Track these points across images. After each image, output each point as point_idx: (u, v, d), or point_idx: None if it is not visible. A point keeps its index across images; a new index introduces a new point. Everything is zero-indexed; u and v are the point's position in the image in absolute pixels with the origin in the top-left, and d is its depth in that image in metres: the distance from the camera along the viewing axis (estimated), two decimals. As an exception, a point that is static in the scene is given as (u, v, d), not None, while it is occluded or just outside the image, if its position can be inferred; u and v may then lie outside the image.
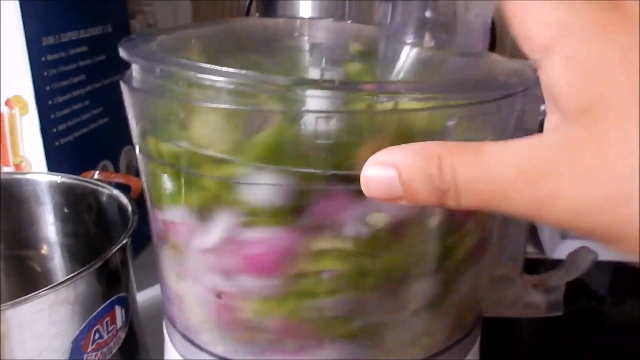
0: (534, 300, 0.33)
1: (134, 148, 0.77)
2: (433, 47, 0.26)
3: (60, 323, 0.35)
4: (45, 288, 0.33)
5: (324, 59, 0.28)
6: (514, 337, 0.31)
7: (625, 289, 0.77)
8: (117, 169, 0.71)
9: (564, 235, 0.81)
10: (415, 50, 0.26)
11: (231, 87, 0.22)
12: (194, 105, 0.23)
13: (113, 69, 0.70)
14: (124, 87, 0.27)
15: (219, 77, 0.22)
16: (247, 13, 0.58)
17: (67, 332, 0.35)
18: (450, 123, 0.22)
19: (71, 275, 0.35)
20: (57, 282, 0.34)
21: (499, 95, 0.22)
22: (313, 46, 0.27)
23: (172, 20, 0.81)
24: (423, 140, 0.23)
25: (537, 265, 0.62)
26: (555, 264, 0.37)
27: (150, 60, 0.24)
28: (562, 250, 0.80)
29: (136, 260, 0.48)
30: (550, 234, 0.78)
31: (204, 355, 0.29)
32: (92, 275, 0.36)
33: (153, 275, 0.64)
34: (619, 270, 0.79)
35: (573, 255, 0.35)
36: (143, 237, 0.42)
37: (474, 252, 0.29)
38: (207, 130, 0.23)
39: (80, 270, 0.35)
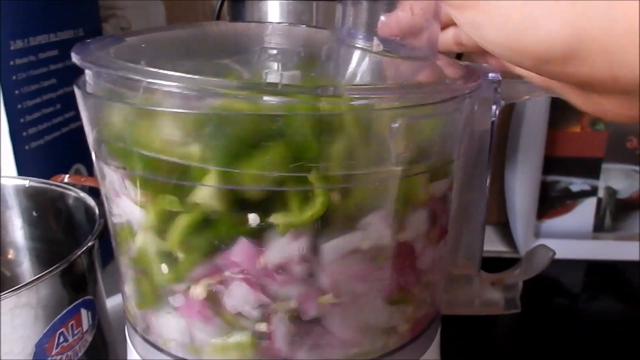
0: (492, 297, 0.34)
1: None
2: (382, 51, 0.27)
3: (22, 327, 0.35)
4: (6, 291, 0.33)
5: (278, 65, 0.28)
6: (487, 334, 0.32)
7: (599, 287, 0.78)
8: (90, 173, 0.71)
9: (537, 234, 0.83)
10: (365, 54, 0.27)
11: (179, 91, 0.22)
12: (145, 110, 0.23)
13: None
14: (77, 92, 0.27)
15: (166, 81, 0.22)
16: (218, 17, 0.58)
17: (30, 336, 0.35)
18: (395, 125, 0.23)
19: (33, 278, 0.35)
20: (18, 286, 0.34)
21: (445, 97, 0.23)
22: (262, 50, 0.27)
23: (145, 23, 0.81)
24: (369, 141, 0.24)
25: (510, 265, 0.63)
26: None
27: (100, 66, 0.25)
28: (535, 249, 0.82)
29: (110, 264, 0.48)
30: (524, 233, 0.79)
31: (162, 356, 0.29)
32: (55, 278, 0.36)
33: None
34: (591, 268, 0.80)
35: (530, 253, 0.36)
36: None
37: (432, 240, 0.29)
38: (158, 134, 0.23)
39: (43, 273, 0.35)
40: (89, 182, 0.55)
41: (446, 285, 0.33)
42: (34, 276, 0.52)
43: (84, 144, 0.70)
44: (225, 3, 0.59)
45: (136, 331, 0.30)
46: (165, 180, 0.24)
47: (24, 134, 0.59)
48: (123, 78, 0.23)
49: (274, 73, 0.25)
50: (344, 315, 0.26)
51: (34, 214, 0.50)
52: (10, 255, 0.50)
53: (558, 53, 0.19)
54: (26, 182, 0.50)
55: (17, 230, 0.50)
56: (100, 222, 0.43)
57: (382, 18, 0.27)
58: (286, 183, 0.23)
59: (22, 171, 0.58)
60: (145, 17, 0.81)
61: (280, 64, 0.26)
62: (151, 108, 0.23)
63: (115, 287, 0.54)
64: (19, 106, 0.58)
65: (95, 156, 0.29)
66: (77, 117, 0.68)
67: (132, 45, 0.31)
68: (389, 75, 0.27)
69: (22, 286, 0.34)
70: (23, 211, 0.50)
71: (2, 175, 0.56)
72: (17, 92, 0.58)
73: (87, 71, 0.27)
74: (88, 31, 0.70)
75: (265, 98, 0.21)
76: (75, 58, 0.26)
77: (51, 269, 0.36)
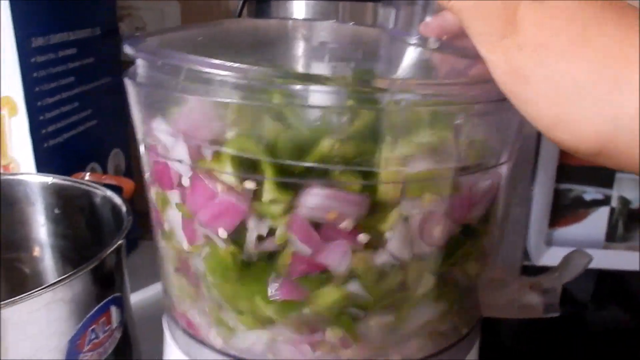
0: (531, 301, 0.34)
1: (122, 151, 0.76)
2: (437, 48, 0.26)
3: (57, 322, 0.34)
4: (43, 287, 0.33)
5: (327, 57, 0.28)
6: (496, 342, 0.32)
7: (608, 296, 0.78)
8: (105, 172, 0.71)
9: (549, 242, 0.83)
10: (418, 51, 0.27)
11: (242, 82, 0.22)
12: (207, 101, 0.23)
13: (101, 72, 0.70)
14: (128, 83, 0.27)
15: (227, 72, 0.22)
16: (240, 14, 0.58)
17: (63, 332, 0.35)
18: (458, 121, 0.23)
19: (68, 274, 0.34)
20: (55, 281, 0.34)
21: (503, 96, 0.23)
22: (321, 45, 0.27)
23: (160, 23, 0.81)
24: (430, 138, 0.24)
25: (522, 272, 0.63)
26: (541, 270, 0.37)
27: (158, 56, 0.24)
28: (547, 257, 0.82)
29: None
30: (536, 241, 0.79)
31: (206, 351, 0.28)
32: (88, 275, 0.36)
33: (143, 278, 0.64)
34: (602, 277, 0.80)
35: (567, 258, 0.35)
36: (131, 240, 0.42)
37: (478, 248, 0.29)
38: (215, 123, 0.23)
39: (77, 269, 0.35)
40: (109, 180, 0.55)
41: (486, 287, 0.32)
42: (55, 274, 0.52)
43: (99, 143, 0.70)
44: (247, 3, 0.59)
45: (178, 326, 0.30)
46: (227, 173, 0.24)
47: (43, 131, 0.59)
48: (186, 69, 0.23)
49: (338, 67, 0.25)
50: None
51: (56, 211, 0.50)
52: (36, 252, 0.50)
53: (586, 151, 0.21)
54: (49, 179, 0.49)
55: (40, 227, 0.50)
56: (129, 219, 0.42)
57: (428, 19, 0.27)
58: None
59: (40, 169, 0.58)
60: (160, 17, 0.81)
61: (337, 61, 0.26)
62: (218, 100, 0.23)
63: (133, 285, 0.53)
64: (39, 103, 0.58)
65: (145, 147, 0.28)
66: (93, 116, 0.68)
67: (170, 41, 0.31)
68: (441, 73, 0.27)
69: (58, 281, 0.34)
70: (46, 208, 0.49)
71: (25, 172, 0.55)
72: (37, 89, 0.58)
73: (138, 61, 0.27)
74: (105, 30, 0.70)
75: (335, 90, 0.21)
76: (130, 50, 0.26)
77: (85, 265, 0.35)
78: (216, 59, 0.24)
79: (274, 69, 0.21)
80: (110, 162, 0.73)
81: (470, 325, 0.31)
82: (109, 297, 0.38)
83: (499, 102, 0.23)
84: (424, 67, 0.27)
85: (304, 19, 0.43)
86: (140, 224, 0.79)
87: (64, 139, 0.62)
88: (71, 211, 0.49)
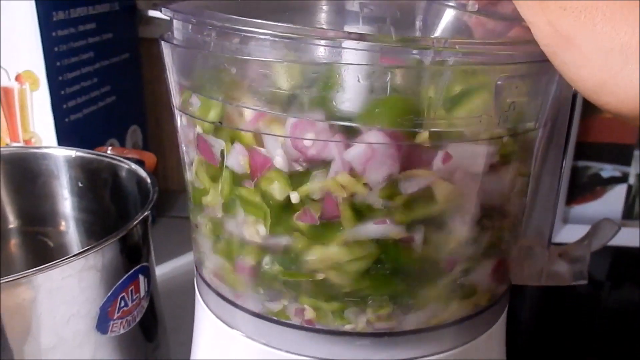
0: (560, 269, 0.34)
1: (139, 128, 0.76)
2: (477, 12, 0.26)
3: (89, 289, 0.35)
4: (75, 254, 0.33)
5: (361, 19, 0.28)
6: (508, 320, 0.32)
7: (624, 275, 0.78)
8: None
9: (566, 219, 0.83)
10: (456, 14, 0.27)
11: (287, 40, 0.22)
12: (246, 60, 0.23)
13: (120, 48, 0.70)
14: (165, 45, 0.26)
15: (271, 30, 0.22)
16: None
17: (95, 299, 0.35)
18: (500, 82, 0.23)
19: (99, 242, 0.35)
20: (86, 248, 0.34)
21: (544, 57, 0.22)
22: (354, 6, 0.27)
23: None
24: (472, 100, 0.23)
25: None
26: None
27: (198, 17, 0.24)
28: (563, 235, 0.82)
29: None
30: (552, 218, 0.79)
31: (240, 313, 0.29)
32: (118, 244, 0.36)
33: (162, 255, 0.65)
34: (618, 256, 0.80)
35: (596, 226, 0.35)
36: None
37: (509, 214, 0.29)
38: (257, 84, 0.23)
39: (107, 237, 0.35)
40: (132, 154, 0.55)
41: (515, 255, 0.32)
42: (79, 247, 0.52)
43: (118, 119, 0.70)
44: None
45: (210, 288, 0.30)
46: (264, 134, 0.24)
47: (64, 106, 0.59)
48: (224, 28, 0.23)
49: (374, 30, 0.25)
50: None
51: (80, 184, 0.50)
52: (61, 227, 0.50)
53: (629, 114, 0.21)
54: (73, 152, 0.49)
55: (64, 201, 0.50)
56: (155, 190, 0.42)
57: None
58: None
59: (61, 144, 0.58)
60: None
61: (372, 23, 0.26)
62: (257, 59, 0.23)
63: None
64: (60, 78, 0.58)
65: (181, 109, 0.28)
66: (113, 92, 0.68)
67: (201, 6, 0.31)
68: (478, 35, 0.27)
69: (89, 248, 0.34)
70: (69, 181, 0.50)
71: (49, 145, 0.56)
72: (58, 63, 0.58)
73: (175, 23, 0.27)
74: (123, 5, 0.70)
75: (377, 47, 0.21)
76: (166, 11, 0.25)
77: (114, 234, 0.36)
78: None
79: (316, 28, 0.21)
80: (129, 139, 0.73)
81: (500, 292, 0.31)
82: (137, 267, 0.38)
83: (541, 63, 0.23)
84: (461, 30, 0.27)
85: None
86: (158, 201, 0.80)
87: (84, 115, 0.62)
88: (95, 184, 0.49)
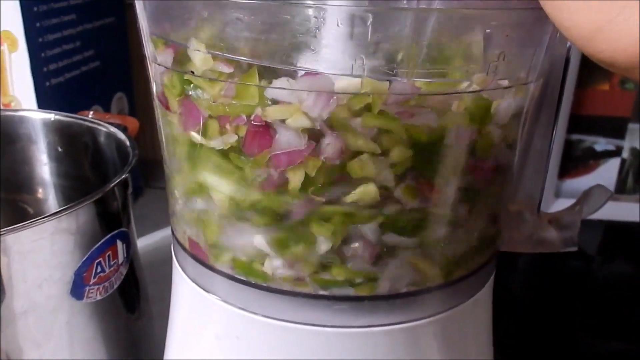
0: (549, 236, 0.33)
1: (126, 95, 0.75)
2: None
3: (62, 253, 0.33)
4: (46, 215, 0.32)
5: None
6: (500, 294, 0.31)
7: (615, 249, 0.77)
8: (108, 116, 0.69)
9: (558, 193, 0.82)
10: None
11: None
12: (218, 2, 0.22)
13: (104, 11, 0.67)
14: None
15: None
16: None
17: (69, 263, 0.34)
18: (489, 30, 0.21)
19: (72, 204, 0.33)
20: (57, 210, 0.33)
21: (537, 4, 0.21)
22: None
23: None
24: (464, 46, 0.22)
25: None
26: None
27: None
28: (555, 209, 0.81)
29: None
30: (544, 192, 0.78)
31: (217, 277, 0.28)
32: (92, 207, 0.35)
33: (149, 226, 0.64)
34: (610, 229, 0.79)
35: (588, 192, 0.34)
36: (135, 187, 0.41)
37: (497, 170, 0.28)
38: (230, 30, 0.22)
39: (81, 199, 0.34)
40: (114, 119, 0.53)
41: (503, 221, 0.31)
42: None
43: (102, 85, 0.68)
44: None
45: (186, 252, 0.29)
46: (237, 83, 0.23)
47: (45, 69, 0.57)
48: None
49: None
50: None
51: (59, 149, 0.48)
52: (39, 193, 0.49)
53: (623, 63, 0.19)
54: (51, 115, 0.48)
55: (43, 167, 0.48)
56: (134, 154, 0.41)
57: None
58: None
59: (42, 108, 0.57)
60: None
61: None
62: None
63: (140, 232, 0.52)
64: (40, 39, 0.56)
65: (151, 58, 0.27)
66: (96, 57, 0.66)
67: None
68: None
69: (61, 210, 0.33)
70: (48, 146, 0.48)
71: (26, 108, 0.54)
72: (37, 24, 0.56)
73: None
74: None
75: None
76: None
77: (89, 195, 0.34)
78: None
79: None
80: (114, 106, 0.71)
81: (487, 256, 0.30)
82: (115, 231, 0.37)
83: (533, 10, 0.21)
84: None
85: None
86: (145, 172, 0.78)
87: (66, 79, 0.61)
88: (75, 149, 0.48)
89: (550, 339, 0.56)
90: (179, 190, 0.29)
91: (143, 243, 0.61)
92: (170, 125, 0.28)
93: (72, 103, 0.61)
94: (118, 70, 0.72)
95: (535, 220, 0.33)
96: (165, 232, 0.65)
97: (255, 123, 0.23)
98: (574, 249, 0.33)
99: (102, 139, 0.46)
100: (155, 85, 0.28)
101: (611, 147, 0.80)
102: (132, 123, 0.51)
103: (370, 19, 0.20)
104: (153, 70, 0.27)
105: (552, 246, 0.33)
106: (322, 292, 0.26)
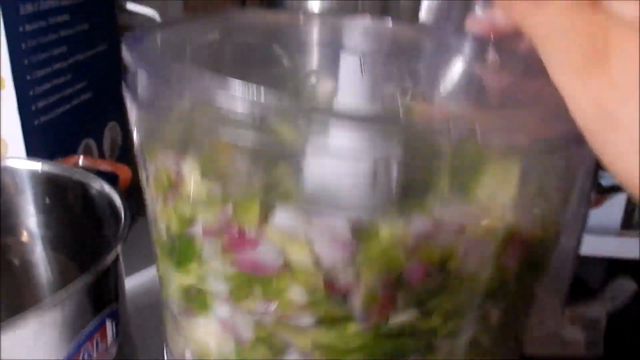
0: (573, 337, 0.31)
1: (118, 123, 0.72)
2: (496, 63, 0.22)
3: (46, 347, 0.31)
4: (26, 311, 0.29)
5: (359, 69, 0.24)
6: None
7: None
8: (100, 148, 0.66)
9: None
10: (471, 64, 0.23)
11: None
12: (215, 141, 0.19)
13: (96, 39, 0.64)
14: (127, 96, 0.22)
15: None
16: (244, 3, 0.53)
17: (52, 355, 0.31)
18: (525, 163, 0.19)
19: (58, 293, 0.31)
20: (41, 304, 0.30)
21: (573, 135, 0.19)
22: (349, 51, 0.22)
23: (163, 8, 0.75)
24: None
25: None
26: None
27: (162, 70, 0.20)
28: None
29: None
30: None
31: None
32: (80, 293, 0.32)
33: (142, 257, 0.60)
34: (614, 266, 0.77)
35: (613, 286, 0.32)
36: None
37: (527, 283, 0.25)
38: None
39: (64, 289, 0.31)
40: (105, 166, 0.51)
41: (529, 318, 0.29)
42: (47, 266, 0.48)
43: (94, 117, 0.65)
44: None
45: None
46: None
47: (33, 107, 0.54)
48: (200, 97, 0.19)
49: (377, 86, 0.20)
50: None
51: (47, 201, 0.46)
52: (25, 240, 0.46)
53: None
54: (39, 166, 0.45)
55: (30, 218, 0.46)
56: (126, 224, 0.38)
57: (478, 12, 0.23)
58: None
59: (30, 148, 0.54)
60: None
61: (373, 75, 0.22)
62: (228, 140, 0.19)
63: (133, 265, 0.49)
64: (28, 77, 0.53)
65: (142, 165, 0.24)
66: (88, 88, 0.63)
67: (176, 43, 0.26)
68: (490, 87, 0.23)
69: (44, 303, 0.30)
70: (36, 198, 0.45)
71: (12, 156, 0.51)
72: (26, 61, 0.53)
73: (139, 71, 0.22)
74: (99, -5, 0.64)
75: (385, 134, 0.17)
76: (126, 54, 0.21)
77: (75, 282, 0.32)
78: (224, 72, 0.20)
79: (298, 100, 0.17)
80: (106, 136, 0.68)
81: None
82: (104, 311, 0.35)
83: (574, 140, 0.19)
84: (472, 81, 0.23)
85: (322, 14, 0.38)
86: (137, 199, 0.75)
87: (57, 115, 0.58)
88: (64, 201, 0.45)
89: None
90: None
91: (135, 281, 0.58)
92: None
93: (63, 140, 0.58)
94: (110, 99, 0.69)
95: (559, 316, 0.31)
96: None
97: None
98: (599, 354, 0.31)
99: (93, 192, 0.44)
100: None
101: (617, 183, 0.77)
102: (124, 172, 0.48)
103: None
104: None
105: (576, 348, 0.31)
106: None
